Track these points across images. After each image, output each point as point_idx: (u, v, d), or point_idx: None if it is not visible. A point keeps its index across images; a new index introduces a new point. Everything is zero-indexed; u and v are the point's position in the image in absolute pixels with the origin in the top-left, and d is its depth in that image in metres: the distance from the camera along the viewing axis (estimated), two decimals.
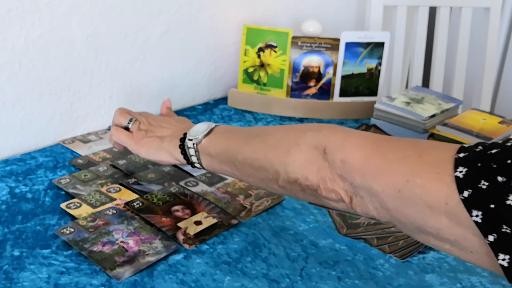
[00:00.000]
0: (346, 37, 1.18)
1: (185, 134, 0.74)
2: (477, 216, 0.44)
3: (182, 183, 0.89)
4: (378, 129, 0.89)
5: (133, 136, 0.81)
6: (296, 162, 0.59)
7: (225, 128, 0.72)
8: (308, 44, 1.19)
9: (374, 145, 0.54)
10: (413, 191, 0.48)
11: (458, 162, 0.47)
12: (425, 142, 0.53)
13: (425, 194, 0.48)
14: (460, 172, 0.46)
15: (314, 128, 0.61)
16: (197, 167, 0.74)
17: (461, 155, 0.47)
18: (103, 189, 0.86)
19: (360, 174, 0.53)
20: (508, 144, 0.46)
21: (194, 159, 0.73)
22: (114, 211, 0.79)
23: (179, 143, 0.74)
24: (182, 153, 0.74)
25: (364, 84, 1.22)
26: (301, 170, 0.58)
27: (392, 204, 0.51)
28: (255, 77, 1.22)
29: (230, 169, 0.68)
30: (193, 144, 0.72)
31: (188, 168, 0.94)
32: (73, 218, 0.78)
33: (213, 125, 0.72)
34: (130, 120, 0.84)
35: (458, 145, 0.49)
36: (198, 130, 0.72)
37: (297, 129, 0.63)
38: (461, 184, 0.45)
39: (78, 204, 0.81)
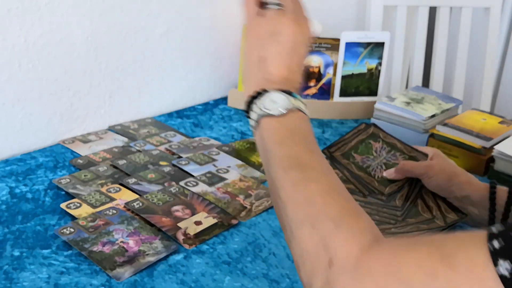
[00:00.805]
0: (346, 37, 1.18)
1: (260, 93, 0.58)
2: None
3: (182, 183, 0.89)
4: (377, 128, 0.89)
5: (252, 21, 0.65)
6: (299, 241, 0.50)
7: (292, 123, 0.58)
8: None
9: (393, 269, 0.43)
10: None
11: (496, 255, 0.38)
12: (447, 240, 0.43)
13: None
14: (505, 268, 0.38)
15: (337, 218, 0.49)
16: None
17: (496, 244, 0.39)
18: (103, 189, 0.85)
19: None
20: None
21: (251, 121, 0.60)
22: (114, 211, 0.79)
23: (251, 94, 0.59)
24: (251, 98, 0.59)
25: (364, 84, 1.22)
26: (298, 254, 0.50)
27: None
28: None
29: (265, 165, 0.58)
30: (258, 113, 0.58)
31: (188, 168, 0.94)
32: (73, 218, 0.78)
33: (291, 106, 0.58)
34: (277, 4, 0.64)
35: (483, 234, 0.40)
36: (274, 103, 0.58)
37: (325, 202, 0.51)
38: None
39: (78, 204, 0.81)
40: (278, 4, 0.63)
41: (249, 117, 0.60)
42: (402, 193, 0.82)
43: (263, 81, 0.60)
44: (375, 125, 0.89)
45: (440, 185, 0.79)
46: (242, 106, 1.22)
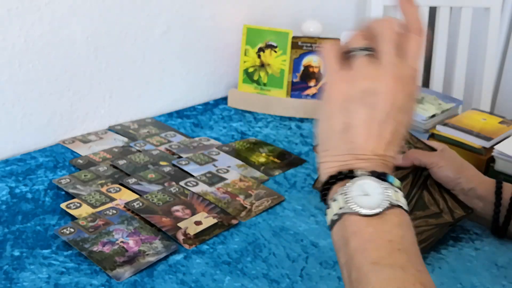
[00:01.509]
0: (346, 37, 1.18)
1: (351, 172, 0.46)
2: None
3: (182, 183, 0.89)
4: None
5: (334, 79, 0.50)
6: None
7: (395, 233, 0.44)
8: (308, 44, 1.19)
9: None
10: None
11: None
12: None
13: None
14: None
15: None
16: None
17: None
18: (103, 189, 0.85)
19: None
20: None
21: (328, 213, 0.48)
22: (114, 211, 0.79)
23: (332, 173, 0.47)
24: (322, 189, 0.48)
25: None
26: None
27: None
28: (255, 77, 1.22)
29: (342, 257, 0.46)
30: (340, 208, 0.46)
31: (188, 168, 0.94)
32: (73, 218, 0.78)
33: (393, 201, 0.45)
34: (365, 49, 0.49)
35: None
36: (365, 199, 0.45)
37: None
38: None
39: (78, 204, 0.81)
40: (367, 49, 0.48)
41: (325, 203, 0.47)
42: (407, 182, 0.79)
43: (348, 156, 0.47)
44: None
45: (449, 176, 0.77)
46: (242, 106, 1.23)
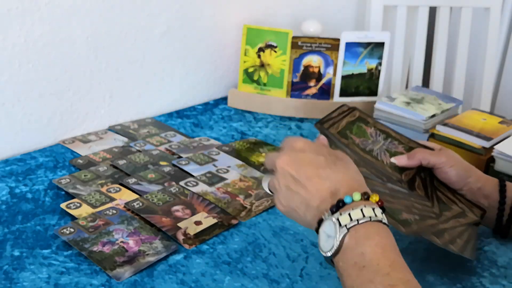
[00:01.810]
0: (346, 37, 1.18)
1: (320, 221, 0.56)
2: None
3: (182, 183, 0.89)
4: (362, 113, 0.83)
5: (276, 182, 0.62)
6: None
7: (355, 255, 0.52)
8: (308, 44, 1.19)
9: None
10: None
11: None
12: None
13: None
14: None
15: None
16: None
17: None
18: (103, 189, 0.85)
19: None
20: None
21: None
22: (114, 211, 0.79)
23: (316, 225, 0.57)
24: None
25: (364, 84, 1.22)
26: None
27: None
28: (255, 77, 1.22)
29: None
30: (323, 255, 0.56)
31: (188, 168, 0.94)
32: (73, 218, 0.78)
33: (344, 231, 0.53)
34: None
35: None
36: (328, 237, 0.54)
37: None
38: None
39: (78, 204, 0.81)
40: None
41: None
42: (418, 183, 0.76)
43: (316, 212, 0.57)
44: (358, 109, 0.85)
45: (460, 175, 0.74)
46: (242, 106, 1.23)
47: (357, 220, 0.53)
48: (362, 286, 0.50)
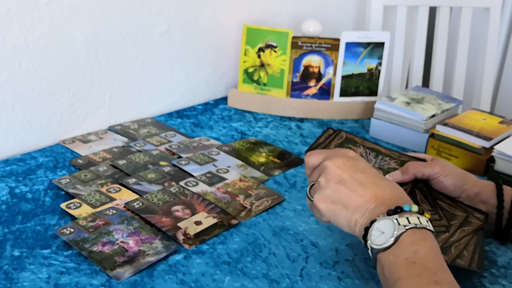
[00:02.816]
0: (346, 37, 1.18)
1: (372, 222, 0.58)
2: None
3: (182, 183, 0.89)
4: (348, 133, 0.84)
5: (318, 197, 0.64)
6: None
7: (409, 250, 0.55)
8: (308, 44, 1.19)
9: None
10: None
11: None
12: None
13: None
14: None
15: None
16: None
17: None
18: (103, 189, 0.85)
19: None
20: None
21: (369, 252, 0.60)
22: (114, 211, 0.79)
23: (363, 232, 0.60)
24: (363, 237, 0.60)
25: (364, 84, 1.22)
26: None
27: None
28: (255, 77, 1.22)
29: None
30: (371, 248, 0.58)
31: (188, 168, 0.94)
32: (73, 218, 0.78)
33: (403, 230, 0.56)
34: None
35: None
36: (383, 232, 0.57)
37: None
38: None
39: (78, 204, 0.81)
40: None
41: (366, 243, 0.59)
42: (419, 196, 0.76)
43: (369, 214, 0.60)
44: (344, 131, 0.84)
45: (456, 184, 0.74)
46: (242, 106, 1.23)
47: (415, 224, 0.56)
48: (408, 279, 0.53)
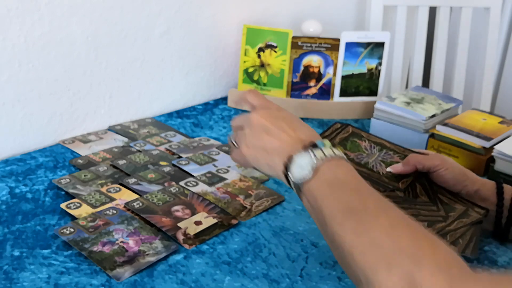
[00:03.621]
0: (346, 37, 1.18)
1: (290, 157, 0.61)
2: None
3: (182, 183, 0.89)
4: (355, 128, 0.84)
5: (242, 145, 0.69)
6: (377, 285, 0.49)
7: (329, 176, 0.59)
8: (308, 44, 1.19)
9: None
10: None
11: None
12: None
13: None
14: None
15: (413, 254, 0.48)
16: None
17: None
18: (103, 189, 0.86)
19: None
20: None
21: (293, 191, 0.63)
22: (114, 211, 0.79)
23: (283, 167, 0.63)
24: (286, 177, 0.63)
25: (364, 84, 1.22)
26: None
27: None
28: (255, 77, 1.22)
29: (319, 227, 0.59)
30: (293, 183, 0.61)
31: (188, 168, 0.94)
32: (73, 218, 0.78)
33: (320, 161, 0.59)
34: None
35: None
36: (302, 166, 0.60)
37: (395, 239, 0.50)
38: None
39: (78, 204, 0.81)
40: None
41: (291, 186, 0.63)
42: (419, 189, 0.76)
43: (287, 153, 0.63)
44: (351, 125, 0.86)
45: (456, 178, 0.75)
46: (242, 106, 1.23)
47: (330, 155, 0.60)
48: (331, 195, 0.57)
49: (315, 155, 0.60)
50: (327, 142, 0.62)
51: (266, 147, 0.65)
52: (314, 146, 0.61)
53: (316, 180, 0.59)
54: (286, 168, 0.61)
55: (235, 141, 0.71)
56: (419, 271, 0.46)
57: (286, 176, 0.62)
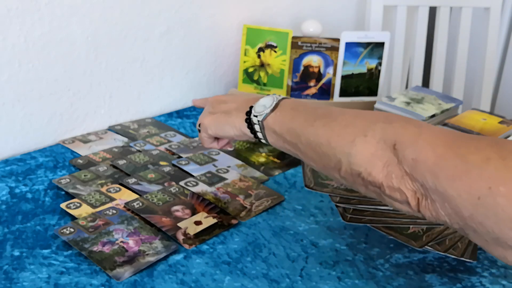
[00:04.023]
0: (346, 37, 1.18)
1: (251, 107, 0.69)
2: None
3: (182, 183, 0.89)
4: None
5: (203, 119, 0.77)
6: (360, 154, 0.54)
7: (291, 104, 0.67)
8: (308, 44, 1.19)
9: (450, 143, 0.49)
10: (496, 200, 0.43)
11: None
12: (508, 142, 0.47)
13: (509, 206, 0.43)
14: None
15: (383, 119, 0.55)
16: (264, 143, 0.70)
17: None
18: (103, 189, 0.86)
19: (433, 175, 0.48)
20: None
21: (260, 135, 0.69)
22: (114, 211, 0.80)
23: (245, 117, 0.70)
24: (248, 127, 0.70)
25: (364, 84, 1.22)
26: (365, 164, 0.54)
27: (468, 211, 0.46)
28: (255, 77, 1.22)
29: (294, 150, 0.65)
30: (258, 121, 0.67)
31: (188, 168, 0.94)
32: (73, 218, 0.78)
33: (279, 97, 0.67)
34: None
35: None
36: (264, 105, 0.67)
37: (365, 117, 0.57)
38: None
39: (78, 204, 0.81)
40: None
41: (256, 134, 0.69)
42: None
43: (245, 109, 0.71)
44: None
45: None
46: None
47: (284, 97, 0.69)
48: (301, 116, 0.63)
49: (275, 97, 0.68)
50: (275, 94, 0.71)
51: (225, 110, 0.74)
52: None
53: (280, 109, 0.66)
54: (248, 115, 0.69)
55: (199, 125, 0.79)
56: (391, 127, 0.54)
57: (250, 124, 0.69)
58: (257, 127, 0.68)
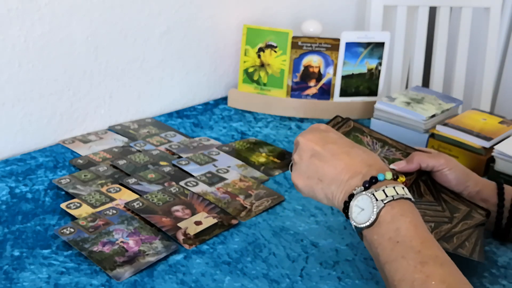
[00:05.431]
0: (346, 37, 1.18)
1: (350, 197, 0.59)
2: None
3: (182, 183, 0.89)
4: (356, 122, 0.84)
5: (297, 178, 0.66)
6: None
7: (390, 229, 0.56)
8: (308, 44, 1.19)
9: None
10: None
11: None
12: None
13: None
14: None
15: None
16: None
17: None
18: (103, 189, 0.85)
19: None
20: None
21: (353, 223, 0.60)
22: (114, 211, 0.79)
23: (342, 204, 0.61)
24: (344, 210, 0.61)
25: (364, 84, 1.22)
26: None
27: None
28: (255, 77, 1.22)
29: (375, 261, 0.58)
30: (354, 227, 0.59)
31: (188, 168, 0.94)
32: (73, 218, 0.78)
33: (381, 205, 0.56)
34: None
35: None
36: (363, 211, 0.58)
37: None
38: None
39: (78, 204, 0.81)
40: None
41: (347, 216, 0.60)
42: (423, 188, 0.75)
43: (344, 186, 0.60)
44: (352, 120, 0.85)
45: (459, 178, 0.74)
46: (242, 106, 1.23)
47: (392, 196, 0.56)
48: (395, 261, 0.54)
49: (376, 198, 0.56)
50: (388, 174, 0.59)
51: (319, 175, 0.62)
52: (374, 180, 0.58)
53: (377, 232, 0.56)
54: (346, 205, 0.59)
55: (291, 166, 0.68)
56: None
57: (346, 213, 0.60)
58: (352, 225, 0.60)
